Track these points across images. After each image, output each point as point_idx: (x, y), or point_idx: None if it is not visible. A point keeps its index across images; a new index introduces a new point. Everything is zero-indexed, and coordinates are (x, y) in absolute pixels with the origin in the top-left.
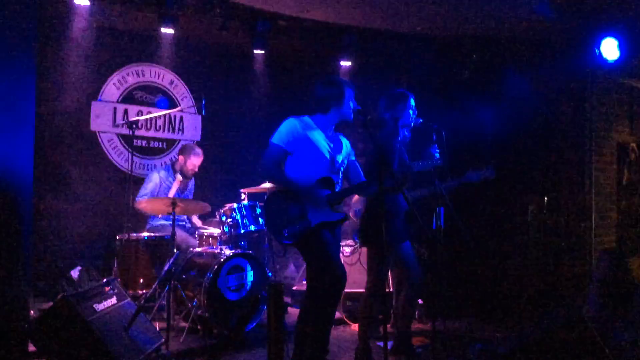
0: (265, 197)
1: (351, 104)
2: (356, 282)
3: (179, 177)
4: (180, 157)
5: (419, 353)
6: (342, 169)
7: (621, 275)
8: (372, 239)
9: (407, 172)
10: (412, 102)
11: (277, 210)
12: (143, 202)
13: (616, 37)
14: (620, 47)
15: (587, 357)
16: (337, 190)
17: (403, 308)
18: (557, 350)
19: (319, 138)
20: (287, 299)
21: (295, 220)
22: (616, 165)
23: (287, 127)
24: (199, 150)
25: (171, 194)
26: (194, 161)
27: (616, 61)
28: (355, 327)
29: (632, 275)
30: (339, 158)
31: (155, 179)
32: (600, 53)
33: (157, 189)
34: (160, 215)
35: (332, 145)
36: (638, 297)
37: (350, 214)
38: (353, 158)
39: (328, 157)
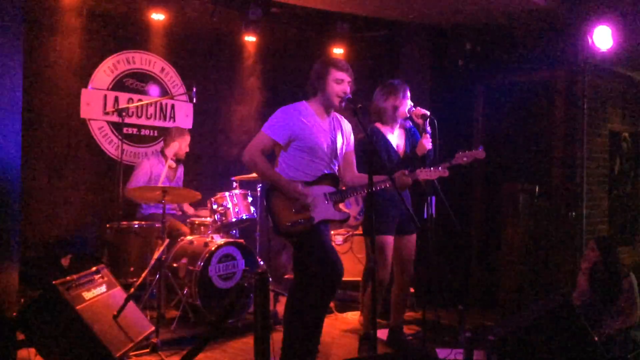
0: (267, 187)
1: (336, 87)
2: (347, 270)
3: (172, 163)
4: (175, 142)
5: (410, 341)
6: (342, 153)
7: (611, 264)
8: (366, 228)
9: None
10: (408, 93)
11: (279, 202)
12: (133, 190)
13: (609, 26)
14: (613, 35)
15: (576, 345)
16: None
17: (395, 301)
18: (546, 338)
19: (316, 125)
20: (279, 288)
21: (298, 214)
22: (608, 154)
23: (280, 117)
24: (185, 130)
25: (160, 181)
26: (187, 141)
27: (609, 50)
28: (344, 316)
29: (622, 264)
30: (338, 144)
31: (145, 166)
32: (593, 41)
33: (149, 176)
34: (152, 204)
35: (329, 132)
36: (627, 286)
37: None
38: (352, 142)
39: (326, 147)
